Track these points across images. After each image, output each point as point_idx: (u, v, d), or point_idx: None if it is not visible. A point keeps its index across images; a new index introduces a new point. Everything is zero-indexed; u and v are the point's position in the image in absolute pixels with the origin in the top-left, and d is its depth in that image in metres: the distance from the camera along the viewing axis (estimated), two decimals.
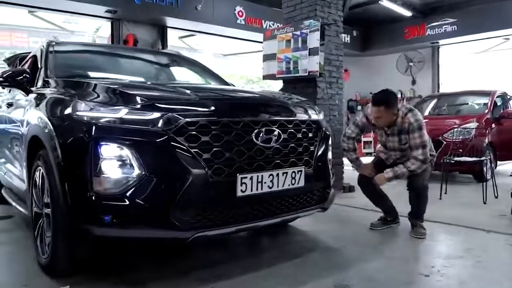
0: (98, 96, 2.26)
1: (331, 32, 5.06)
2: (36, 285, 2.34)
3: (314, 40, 4.72)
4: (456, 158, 5.15)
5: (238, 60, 13.44)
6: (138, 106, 2.12)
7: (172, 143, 2.05)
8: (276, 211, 2.42)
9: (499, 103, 7.08)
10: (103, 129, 2.05)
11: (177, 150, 2.06)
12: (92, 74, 3.23)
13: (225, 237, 3.18)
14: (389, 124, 3.23)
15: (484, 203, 4.48)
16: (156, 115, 2.09)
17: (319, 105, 4.94)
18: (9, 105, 3.58)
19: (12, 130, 3.32)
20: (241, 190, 2.19)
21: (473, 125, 6.14)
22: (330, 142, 2.96)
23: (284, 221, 2.48)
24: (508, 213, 3.88)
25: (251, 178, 2.22)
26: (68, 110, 2.22)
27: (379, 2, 9.72)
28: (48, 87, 2.86)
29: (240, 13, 9.55)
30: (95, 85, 2.44)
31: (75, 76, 3.07)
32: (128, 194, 2.02)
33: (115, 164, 2.03)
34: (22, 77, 3.06)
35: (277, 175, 2.34)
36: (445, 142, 5.93)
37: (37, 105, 2.67)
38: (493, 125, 6.49)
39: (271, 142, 2.35)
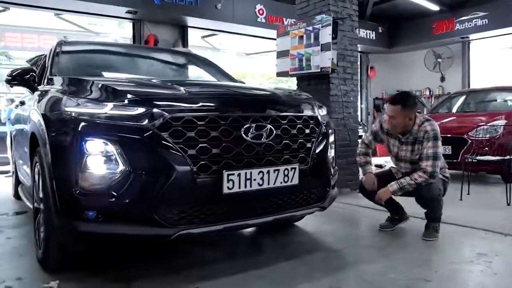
0: (91, 92, 2.26)
1: (345, 27, 4.91)
2: (30, 279, 2.37)
3: (326, 35, 4.59)
4: (478, 157, 4.88)
5: (261, 59, 13.38)
6: (124, 101, 2.11)
7: (156, 138, 2.02)
8: (267, 210, 2.35)
9: None
10: (88, 124, 2.04)
11: (161, 146, 2.02)
12: (97, 71, 3.25)
13: (225, 236, 3.14)
14: (405, 131, 3.07)
15: (508, 204, 4.22)
16: (141, 110, 2.06)
17: (333, 102, 4.84)
18: (22, 103, 3.69)
19: (21, 128, 3.41)
20: (228, 187, 2.12)
21: (501, 122, 5.81)
22: (332, 139, 2.86)
23: (277, 220, 2.38)
24: None
25: (239, 175, 2.15)
26: (57, 106, 2.23)
27: None
28: (52, 85, 2.90)
29: (261, 11, 9.50)
30: (92, 82, 2.44)
31: (79, 74, 3.11)
32: (111, 189, 2.00)
33: (99, 159, 2.02)
34: (29, 75, 3.13)
35: (268, 172, 2.26)
36: (470, 141, 5.66)
37: (38, 102, 2.71)
38: None
39: (262, 138, 2.27)
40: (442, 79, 11.69)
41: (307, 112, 2.59)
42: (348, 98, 4.97)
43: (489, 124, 5.75)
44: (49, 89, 2.73)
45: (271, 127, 2.31)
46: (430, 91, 12.14)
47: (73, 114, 2.10)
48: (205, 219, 2.14)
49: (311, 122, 2.57)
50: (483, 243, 3.00)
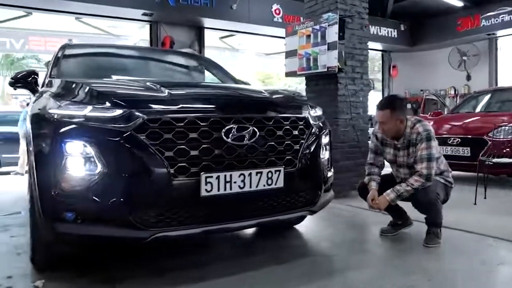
0: (76, 95, 2.28)
1: (354, 25, 4.78)
2: (19, 277, 2.41)
3: (332, 34, 4.48)
4: (494, 160, 4.64)
5: (281, 59, 13.26)
6: (103, 103, 2.11)
7: (132, 140, 2.01)
8: (250, 213, 2.29)
9: None
10: (67, 126, 2.06)
11: (137, 147, 2.01)
12: (95, 74, 3.28)
13: (222, 238, 3.11)
14: (398, 136, 2.95)
15: None
16: (118, 112, 2.06)
17: (340, 102, 4.72)
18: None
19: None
20: (206, 190, 2.09)
21: None
22: (326, 140, 2.77)
23: (262, 224, 2.33)
24: None
25: (218, 178, 2.11)
26: (42, 109, 2.26)
27: None
28: (50, 87, 2.95)
29: (277, 11, 9.43)
30: (79, 84, 2.46)
31: (78, 76, 3.15)
32: (89, 191, 2.01)
33: (77, 161, 2.02)
34: (31, 78, 3.20)
35: (250, 174, 2.20)
36: (489, 142, 5.40)
37: (33, 103, 2.76)
38: None
39: (245, 140, 2.22)
40: (468, 77, 11.25)
41: (296, 113, 2.51)
42: (357, 98, 4.84)
43: (510, 125, 5.47)
44: (44, 91, 2.78)
45: (255, 128, 2.26)
46: (455, 91, 11.71)
47: (55, 116, 2.12)
48: (183, 222, 2.11)
49: (299, 123, 2.50)
50: (488, 251, 2.83)
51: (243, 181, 2.18)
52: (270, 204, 2.36)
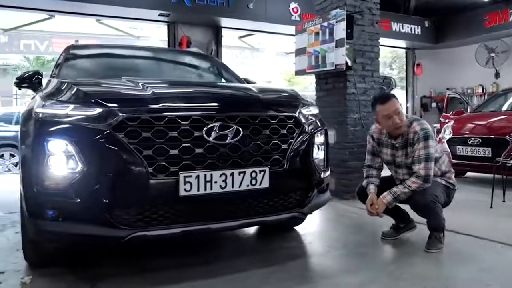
0: (62, 94, 2.29)
1: (364, 21, 4.63)
2: (11, 273, 2.45)
3: (340, 30, 4.36)
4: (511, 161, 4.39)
5: None
6: (84, 102, 2.12)
7: (111, 139, 2.00)
8: (233, 214, 2.24)
9: None
10: (48, 124, 2.07)
11: (115, 146, 2.00)
12: (95, 73, 3.31)
13: (218, 239, 3.07)
14: (398, 134, 2.82)
15: None
16: (98, 111, 2.06)
17: (349, 100, 4.60)
18: None
19: None
20: (185, 190, 2.05)
21: None
22: (321, 140, 2.68)
23: (245, 225, 2.27)
24: None
25: (197, 177, 2.07)
26: (30, 108, 2.29)
27: None
28: (47, 87, 3.00)
29: (295, 9, 9.31)
30: (69, 84, 2.47)
31: (79, 76, 3.20)
32: (69, 189, 2.01)
33: (58, 159, 2.03)
34: (35, 78, 3.27)
35: (232, 174, 2.15)
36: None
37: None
38: None
39: (227, 139, 2.17)
40: (497, 75, 10.75)
41: (284, 111, 2.44)
42: (367, 96, 4.68)
43: None
44: (40, 91, 2.83)
45: (238, 127, 2.20)
46: (483, 89, 11.21)
47: (39, 115, 2.14)
48: (162, 222, 2.08)
49: (288, 121, 2.42)
50: (493, 258, 2.67)
51: (224, 181, 2.14)
52: (255, 205, 2.30)
